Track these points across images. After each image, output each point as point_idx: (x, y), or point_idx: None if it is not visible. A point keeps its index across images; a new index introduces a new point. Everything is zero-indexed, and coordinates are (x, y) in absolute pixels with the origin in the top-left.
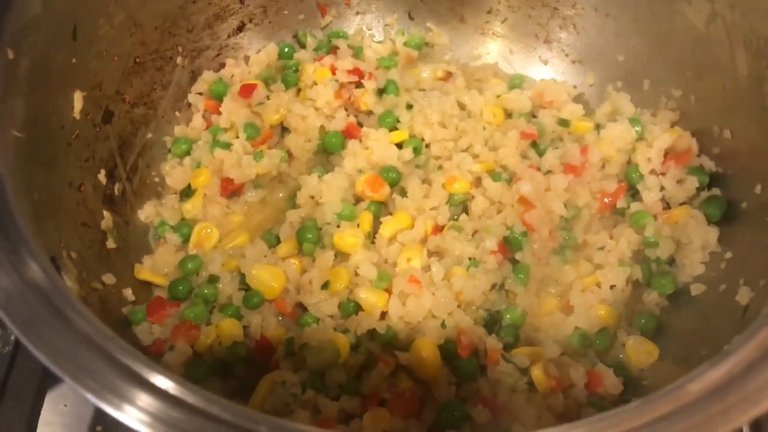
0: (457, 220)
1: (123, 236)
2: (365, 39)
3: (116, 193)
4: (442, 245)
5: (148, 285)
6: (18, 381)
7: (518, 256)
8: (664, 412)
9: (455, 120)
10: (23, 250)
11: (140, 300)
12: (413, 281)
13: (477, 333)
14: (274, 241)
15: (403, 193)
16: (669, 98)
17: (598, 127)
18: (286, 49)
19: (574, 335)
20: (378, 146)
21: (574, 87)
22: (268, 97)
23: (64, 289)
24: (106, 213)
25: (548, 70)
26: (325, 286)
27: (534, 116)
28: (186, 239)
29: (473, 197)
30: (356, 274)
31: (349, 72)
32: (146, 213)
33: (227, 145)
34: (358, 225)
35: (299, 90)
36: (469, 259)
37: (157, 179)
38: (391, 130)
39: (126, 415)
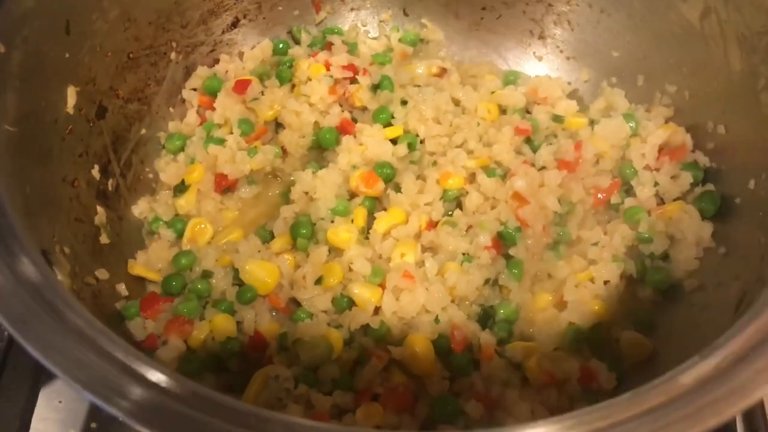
0: (451, 215)
1: (116, 231)
2: (360, 35)
3: (110, 188)
4: (436, 241)
5: (141, 280)
6: (12, 377)
7: (512, 251)
8: (655, 404)
9: (450, 116)
10: (15, 245)
11: (133, 295)
12: (407, 276)
13: (471, 328)
14: (267, 237)
15: (398, 188)
16: (663, 94)
17: (592, 122)
18: (281, 45)
19: (567, 330)
20: (372, 142)
21: (569, 83)
22: (262, 93)
23: (56, 283)
24: (99, 208)
25: (543, 66)
26: (319, 281)
27: (528, 112)
28: (180, 235)
29: (467, 193)
30: (350, 269)
31: (344, 68)
32: (140, 208)
33: (221, 141)
34: (352, 220)
35: (293, 86)
36: (463, 254)
37: (150, 175)
38: (385, 126)
39: (118, 408)
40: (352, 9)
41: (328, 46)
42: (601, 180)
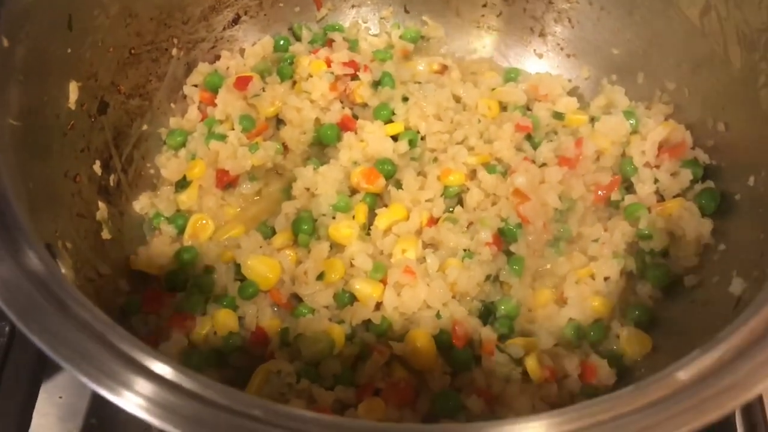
0: (452, 212)
1: (118, 227)
2: (361, 32)
3: (111, 184)
4: (437, 237)
5: (143, 276)
6: (12, 372)
7: (513, 247)
8: (655, 398)
9: (450, 113)
10: (21, 239)
11: (135, 290)
12: (408, 272)
13: (471, 324)
14: (269, 233)
15: (399, 185)
16: (663, 91)
17: (592, 120)
18: (282, 42)
19: (568, 326)
20: (373, 138)
21: (569, 80)
22: (263, 90)
23: (61, 277)
24: (101, 204)
25: (543, 63)
26: (321, 277)
27: (529, 109)
28: (181, 230)
29: (468, 189)
30: (351, 265)
31: (345, 64)
32: (141, 204)
33: (223, 137)
34: (353, 216)
35: (294, 82)
36: (464, 250)
37: (152, 171)
38: (386, 123)
39: (124, 400)
40: (353, 6)
41: (329, 43)
42: (601, 177)
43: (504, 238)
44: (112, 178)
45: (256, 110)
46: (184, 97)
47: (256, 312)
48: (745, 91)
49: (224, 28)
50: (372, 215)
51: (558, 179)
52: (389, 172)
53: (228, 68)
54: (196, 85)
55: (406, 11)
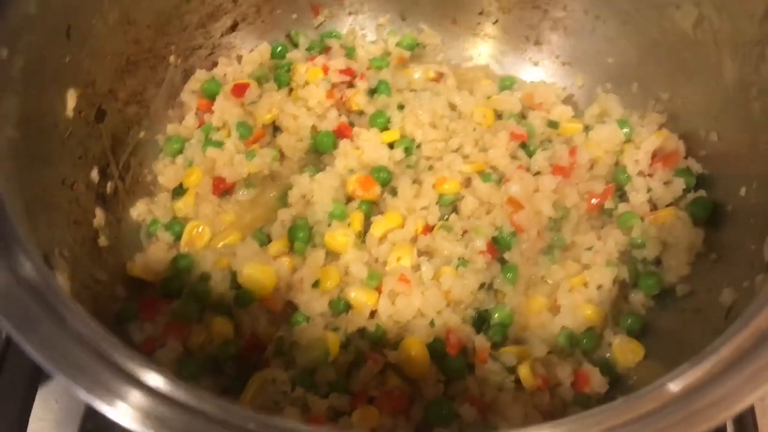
0: (446, 220)
1: (115, 234)
2: (358, 39)
3: (108, 191)
4: (432, 245)
5: (139, 282)
6: (9, 377)
7: (507, 256)
8: (647, 410)
9: (446, 121)
10: (16, 248)
11: (132, 297)
12: (403, 280)
13: (465, 332)
14: (265, 240)
15: (394, 192)
16: (657, 101)
17: (586, 128)
18: (279, 49)
19: (561, 334)
20: (369, 146)
21: (564, 89)
22: (260, 97)
23: (56, 286)
24: (98, 211)
25: (538, 71)
26: (316, 284)
27: (524, 117)
28: (178, 237)
29: (463, 197)
30: (347, 273)
31: (341, 72)
32: (138, 211)
33: (219, 144)
34: (349, 224)
35: (291, 89)
36: (459, 258)
37: (149, 178)
38: (382, 131)
39: (117, 411)
40: (350, 13)
41: (326, 50)
42: (595, 185)
43: (498, 246)
44: (109, 185)
45: (253, 117)
46: (182, 104)
47: (251, 320)
48: (738, 102)
49: (222, 35)
50: (367, 223)
51: (552, 188)
52: (385, 179)
53: (225, 75)
54: (193, 92)
55: (403, 19)
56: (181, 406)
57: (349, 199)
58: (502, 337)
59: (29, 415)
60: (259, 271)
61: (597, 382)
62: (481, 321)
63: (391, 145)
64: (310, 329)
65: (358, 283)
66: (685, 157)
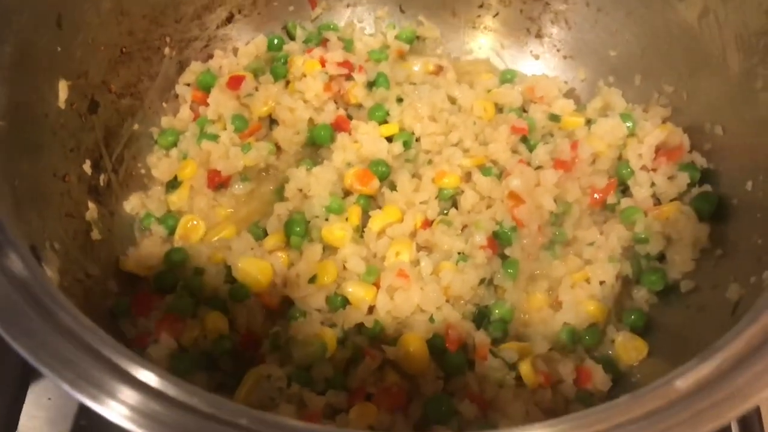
0: (446, 214)
1: (108, 227)
2: (356, 31)
3: (101, 184)
4: (432, 239)
5: (132, 277)
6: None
7: (507, 251)
8: (652, 408)
9: (445, 114)
10: (4, 242)
11: (124, 292)
12: (402, 275)
13: (465, 328)
14: (261, 234)
15: (393, 187)
16: (661, 94)
17: (589, 122)
18: (276, 41)
19: (562, 331)
20: (367, 140)
21: (566, 82)
22: (256, 89)
23: (44, 280)
24: (90, 204)
25: (539, 64)
26: (313, 279)
27: (525, 111)
28: (172, 231)
29: (463, 192)
30: (344, 267)
31: (339, 64)
32: (132, 204)
33: (215, 137)
34: (346, 218)
35: (288, 82)
36: (458, 253)
37: (143, 171)
38: (381, 124)
39: (107, 408)
40: (348, 5)
41: (323, 43)
42: (597, 180)
43: (499, 241)
44: (102, 177)
45: (248, 110)
46: (176, 96)
47: (246, 315)
48: (743, 94)
49: (217, 27)
50: (366, 217)
51: (553, 182)
52: (383, 173)
53: (221, 67)
54: (188, 85)
55: (402, 11)
56: (173, 402)
57: (347, 193)
58: (503, 334)
59: (20, 412)
60: (255, 265)
61: (600, 379)
62: (481, 317)
63: (389, 139)
64: (307, 325)
65: (356, 279)
66: (690, 151)
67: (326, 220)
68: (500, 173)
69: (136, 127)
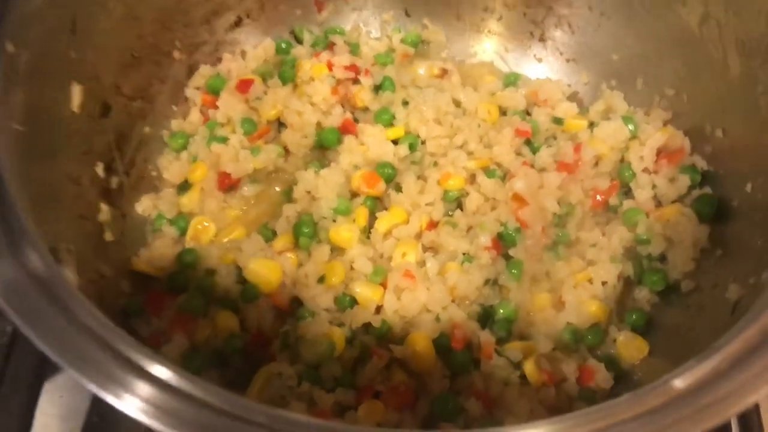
0: (451, 216)
1: (120, 229)
2: (362, 35)
3: (114, 186)
4: (437, 241)
5: (144, 277)
6: (15, 372)
7: (512, 252)
8: (652, 406)
9: (450, 117)
10: (24, 242)
11: (137, 292)
12: (408, 276)
13: (471, 327)
14: (270, 235)
15: (399, 188)
16: (662, 97)
17: (591, 125)
18: (283, 45)
19: (566, 330)
20: (374, 142)
21: (569, 85)
22: (265, 93)
23: (64, 280)
24: (103, 206)
25: (543, 68)
26: (321, 280)
27: (528, 114)
28: (183, 232)
29: (468, 194)
30: (352, 268)
31: (346, 68)
32: (143, 206)
33: (224, 140)
34: (353, 220)
35: (296, 86)
36: (464, 254)
37: (154, 173)
38: (387, 127)
39: (125, 403)
40: (354, 9)
41: (330, 46)
42: (600, 182)
43: (503, 242)
44: (114, 180)
45: (257, 113)
46: (186, 99)
47: (257, 314)
48: (744, 97)
49: (226, 31)
50: (372, 219)
51: (557, 184)
52: (389, 175)
53: (230, 71)
54: (198, 88)
55: (407, 15)
56: (190, 399)
57: (354, 194)
58: (507, 333)
59: (35, 409)
60: (265, 266)
61: (602, 377)
62: (486, 316)
63: (395, 142)
64: (316, 324)
65: (364, 279)
66: (691, 154)
67: (334, 221)
68: (504, 175)
69: (147, 129)
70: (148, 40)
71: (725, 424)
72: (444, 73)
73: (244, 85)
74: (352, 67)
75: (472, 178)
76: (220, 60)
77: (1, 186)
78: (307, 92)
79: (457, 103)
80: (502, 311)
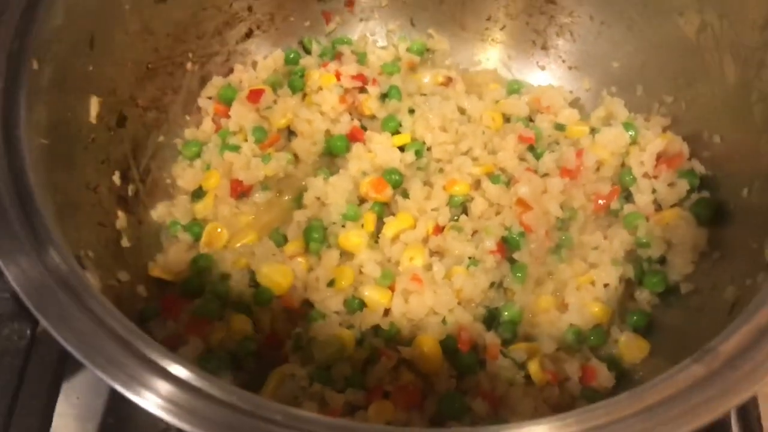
0: (457, 220)
1: (137, 235)
2: (369, 45)
3: (130, 193)
4: (443, 245)
5: (160, 282)
6: (34, 374)
7: (516, 255)
8: (651, 403)
9: (455, 124)
10: (49, 244)
11: (153, 296)
12: (415, 279)
13: (476, 329)
14: (281, 241)
15: (406, 194)
16: (661, 104)
17: (593, 131)
18: (292, 55)
19: (569, 331)
20: (381, 149)
21: (570, 92)
22: (275, 102)
23: (89, 284)
24: (120, 213)
25: (545, 75)
26: (331, 283)
27: (531, 120)
28: (197, 238)
29: (473, 199)
30: (361, 272)
31: (354, 77)
32: (158, 213)
33: (236, 148)
34: (362, 225)
35: (305, 95)
36: (469, 258)
37: (168, 180)
38: (393, 134)
39: (148, 402)
40: (361, 19)
41: (338, 56)
42: (601, 187)
43: (507, 246)
44: (130, 188)
45: (268, 122)
46: (199, 109)
47: (270, 317)
48: (740, 105)
49: (237, 43)
50: (380, 224)
51: (560, 189)
52: (396, 182)
53: (241, 81)
54: (210, 98)
55: (413, 24)
56: (209, 397)
57: (362, 200)
58: (512, 334)
59: (54, 410)
60: (277, 270)
61: (604, 377)
62: (491, 318)
63: (402, 149)
64: (327, 326)
65: (372, 282)
66: (689, 159)
67: (343, 226)
68: (508, 181)
69: (161, 139)
70: (163, 52)
71: (725, 419)
72: (449, 81)
73: (254, 95)
74: (360, 77)
75: (477, 184)
76: (231, 70)
77: (27, 196)
78: (315, 101)
79: (462, 111)
80: (506, 313)
